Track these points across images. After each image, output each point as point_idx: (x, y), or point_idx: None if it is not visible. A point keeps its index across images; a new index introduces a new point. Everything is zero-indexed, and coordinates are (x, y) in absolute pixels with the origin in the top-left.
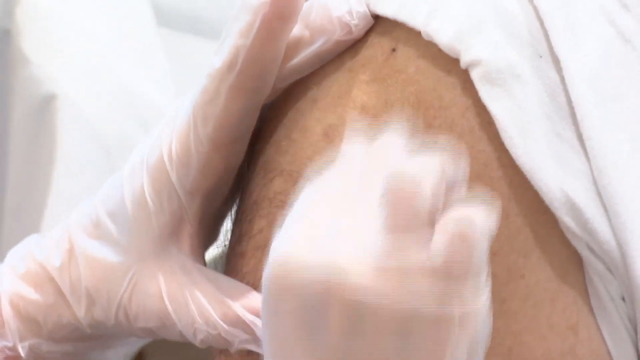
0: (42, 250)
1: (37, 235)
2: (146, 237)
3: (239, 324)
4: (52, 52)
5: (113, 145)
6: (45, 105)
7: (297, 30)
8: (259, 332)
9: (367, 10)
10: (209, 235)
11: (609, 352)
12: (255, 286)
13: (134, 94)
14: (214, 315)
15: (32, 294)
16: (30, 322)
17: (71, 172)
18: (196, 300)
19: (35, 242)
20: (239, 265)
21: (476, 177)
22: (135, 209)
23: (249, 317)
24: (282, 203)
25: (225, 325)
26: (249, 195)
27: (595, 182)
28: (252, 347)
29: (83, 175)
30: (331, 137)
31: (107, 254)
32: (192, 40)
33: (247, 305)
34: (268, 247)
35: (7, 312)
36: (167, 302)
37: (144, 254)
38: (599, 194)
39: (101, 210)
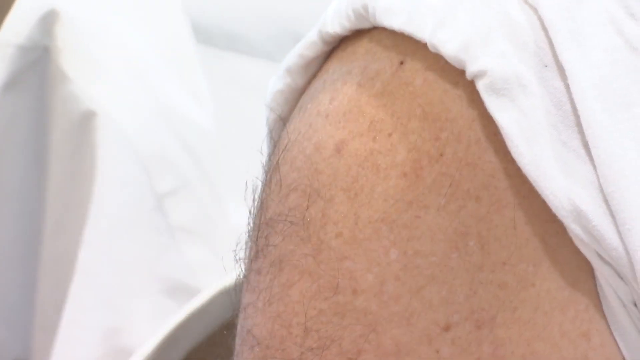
0: None
1: None
2: None
3: None
4: (92, 70)
5: (152, 162)
6: (85, 122)
7: None
8: None
9: None
10: None
11: (623, 359)
12: (271, 302)
13: (173, 111)
14: None
15: None
16: None
17: (110, 189)
18: None
19: None
20: (255, 281)
21: (483, 188)
22: None
23: None
24: (296, 219)
25: None
26: (265, 211)
27: (601, 190)
28: None
29: (122, 191)
30: (342, 152)
31: None
32: (231, 58)
33: None
34: (282, 262)
35: None
36: None
37: None
38: (606, 202)
39: None
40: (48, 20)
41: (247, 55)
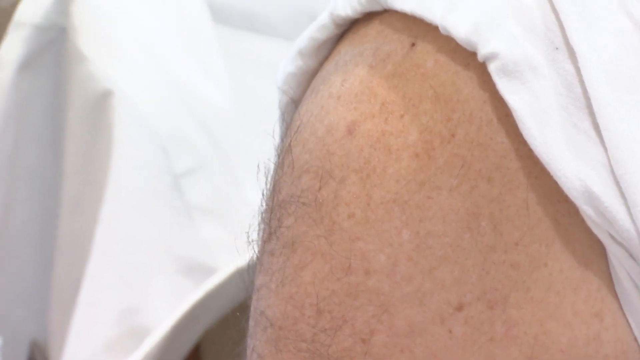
0: None
1: None
2: None
3: None
4: (108, 49)
5: (169, 142)
6: (102, 102)
7: None
8: None
9: None
10: None
11: (635, 339)
12: (284, 284)
13: (191, 91)
14: None
15: None
16: None
17: (127, 169)
18: None
19: None
20: (268, 263)
21: (495, 169)
22: None
23: None
24: (308, 200)
25: None
26: (278, 193)
27: (612, 172)
28: None
29: (139, 171)
30: (354, 133)
31: None
32: (247, 37)
33: None
34: (295, 244)
35: None
36: None
37: None
38: (617, 184)
39: None
40: (64, 1)
41: (264, 34)
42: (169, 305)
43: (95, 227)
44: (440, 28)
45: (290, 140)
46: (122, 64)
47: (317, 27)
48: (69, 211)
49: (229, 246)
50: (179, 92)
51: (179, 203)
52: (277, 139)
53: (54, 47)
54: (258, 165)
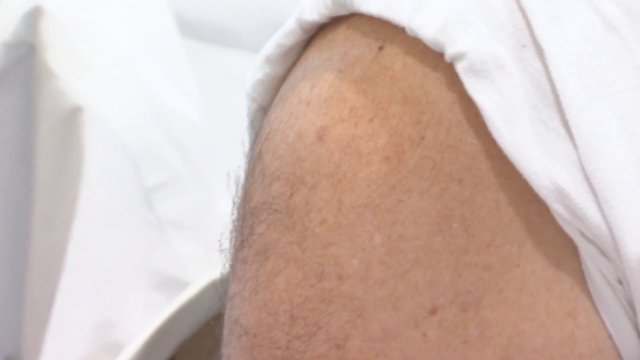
0: None
1: None
2: None
3: None
4: (77, 65)
5: (140, 157)
6: (72, 118)
7: None
8: None
9: None
10: None
11: (610, 336)
12: (257, 291)
13: (160, 105)
14: None
15: None
16: None
17: (98, 184)
18: None
19: None
20: (241, 271)
21: (465, 170)
22: None
23: None
24: (280, 207)
25: None
26: (249, 200)
27: (582, 169)
28: None
29: (110, 187)
30: (324, 138)
31: None
32: (217, 51)
33: None
34: (268, 251)
35: None
36: None
37: None
38: (587, 180)
39: None
40: (33, 17)
41: (233, 48)
42: (143, 320)
43: (67, 242)
44: (407, 30)
45: (261, 148)
46: (91, 79)
47: (284, 33)
48: (40, 227)
49: (202, 259)
50: (149, 107)
51: (151, 217)
52: (246, 147)
53: (23, 64)
54: (228, 173)
